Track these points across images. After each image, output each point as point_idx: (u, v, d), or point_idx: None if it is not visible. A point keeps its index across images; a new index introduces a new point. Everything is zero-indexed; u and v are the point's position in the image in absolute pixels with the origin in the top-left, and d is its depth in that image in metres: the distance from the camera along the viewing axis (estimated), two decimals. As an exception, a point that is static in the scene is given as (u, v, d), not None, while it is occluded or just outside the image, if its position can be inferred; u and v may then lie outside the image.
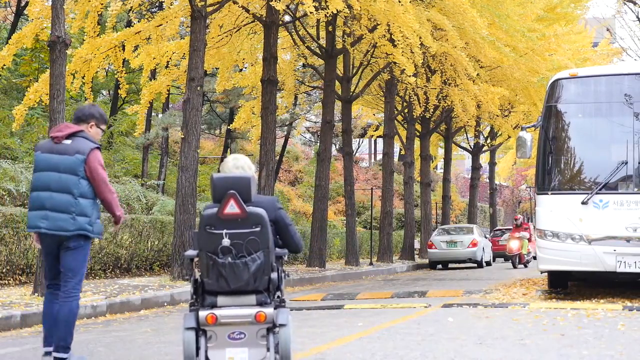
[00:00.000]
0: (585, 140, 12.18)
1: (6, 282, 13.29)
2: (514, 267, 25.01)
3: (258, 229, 5.40)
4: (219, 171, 6.01)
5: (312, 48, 23.46)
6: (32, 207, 6.38)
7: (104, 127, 6.67)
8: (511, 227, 38.96)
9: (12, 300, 10.87)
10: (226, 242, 5.39)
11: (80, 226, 6.30)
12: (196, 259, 5.62)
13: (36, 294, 11.24)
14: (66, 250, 6.33)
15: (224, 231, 5.39)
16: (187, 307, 6.20)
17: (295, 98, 29.40)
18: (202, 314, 5.35)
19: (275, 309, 5.42)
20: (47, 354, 6.34)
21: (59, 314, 6.29)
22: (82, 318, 10.59)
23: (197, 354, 5.31)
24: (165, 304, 12.57)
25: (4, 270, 13.26)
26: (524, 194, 67.89)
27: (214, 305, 5.41)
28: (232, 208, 5.38)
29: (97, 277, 15.46)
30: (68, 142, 6.37)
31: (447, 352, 6.59)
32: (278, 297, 5.55)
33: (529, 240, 25.92)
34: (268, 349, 5.30)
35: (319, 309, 11.08)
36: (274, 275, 5.50)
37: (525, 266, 25.48)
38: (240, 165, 5.74)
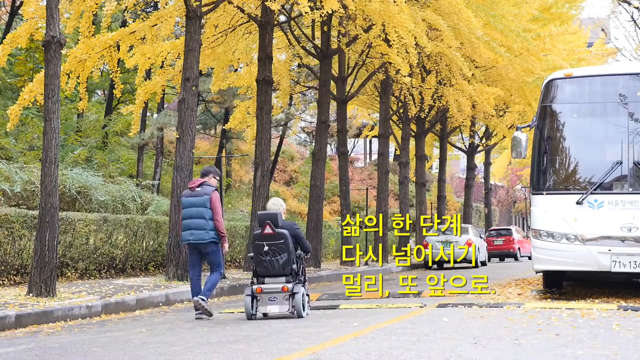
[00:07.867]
0: (580, 141, 12.18)
1: (0, 282, 13.25)
2: None
3: (282, 241, 9.85)
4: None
5: (307, 48, 23.45)
6: (184, 229, 10.55)
7: (218, 178, 10.95)
8: (508, 228, 38.66)
9: (7, 300, 10.85)
10: (266, 248, 9.88)
11: (211, 237, 10.51)
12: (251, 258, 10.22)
13: (31, 294, 11.19)
14: (208, 255, 10.59)
15: (264, 242, 9.88)
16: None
17: (291, 98, 29.38)
18: (254, 287, 9.87)
19: (295, 285, 9.83)
20: (199, 313, 10.29)
21: (209, 278, 10.55)
22: (76, 318, 10.59)
23: (252, 309, 9.81)
24: (160, 304, 12.55)
25: (-2, 271, 13.22)
26: (519, 194, 67.91)
27: (262, 282, 9.95)
28: (268, 230, 9.85)
29: (92, 278, 15.43)
30: (199, 189, 10.62)
31: (442, 352, 6.59)
32: (297, 278, 9.97)
33: None
34: (293, 306, 9.79)
35: (314, 309, 11.08)
36: (294, 266, 9.91)
37: None
38: (275, 203, 10.35)
